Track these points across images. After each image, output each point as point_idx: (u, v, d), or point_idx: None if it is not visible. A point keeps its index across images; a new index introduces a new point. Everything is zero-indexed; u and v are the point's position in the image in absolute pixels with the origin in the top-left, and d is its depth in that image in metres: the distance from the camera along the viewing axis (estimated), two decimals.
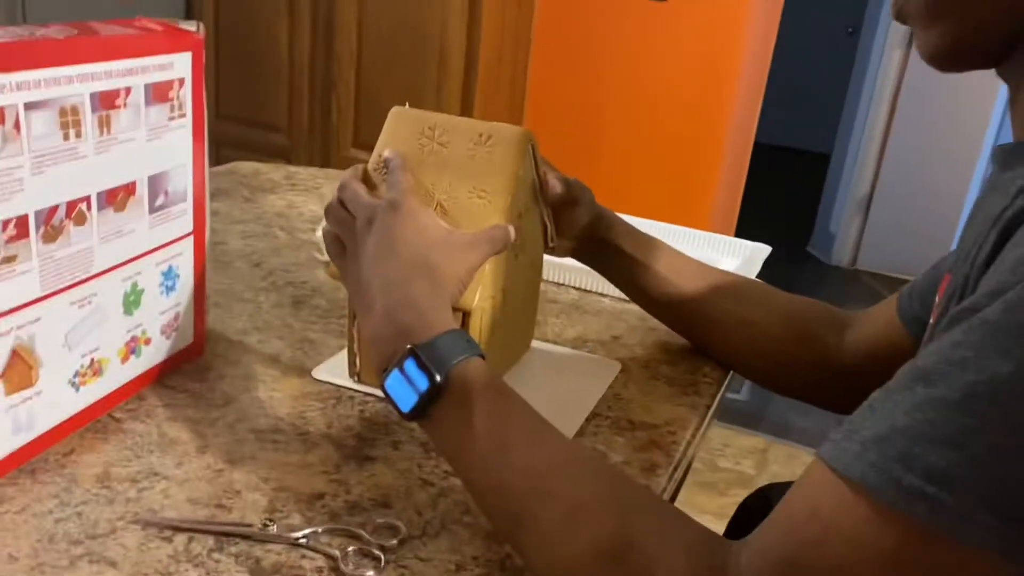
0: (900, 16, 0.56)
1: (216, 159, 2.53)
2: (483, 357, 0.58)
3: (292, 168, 1.44)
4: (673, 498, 0.71)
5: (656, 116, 2.49)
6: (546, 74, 2.58)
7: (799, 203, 5.06)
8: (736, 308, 0.84)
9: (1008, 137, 0.57)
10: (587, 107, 2.56)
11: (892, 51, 3.89)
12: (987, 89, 3.59)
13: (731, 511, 0.91)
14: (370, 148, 0.74)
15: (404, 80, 2.34)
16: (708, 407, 0.80)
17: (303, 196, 1.30)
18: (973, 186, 3.78)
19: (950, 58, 0.54)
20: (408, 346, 0.57)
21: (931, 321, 0.58)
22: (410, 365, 0.56)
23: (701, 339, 0.88)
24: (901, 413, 0.40)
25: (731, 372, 0.87)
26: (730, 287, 0.85)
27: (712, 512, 2.22)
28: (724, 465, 2.50)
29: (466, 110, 2.31)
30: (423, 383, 0.55)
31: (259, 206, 1.23)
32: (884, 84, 3.95)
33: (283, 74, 2.50)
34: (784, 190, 5.45)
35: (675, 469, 0.69)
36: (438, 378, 0.55)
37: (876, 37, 4.02)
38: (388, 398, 0.57)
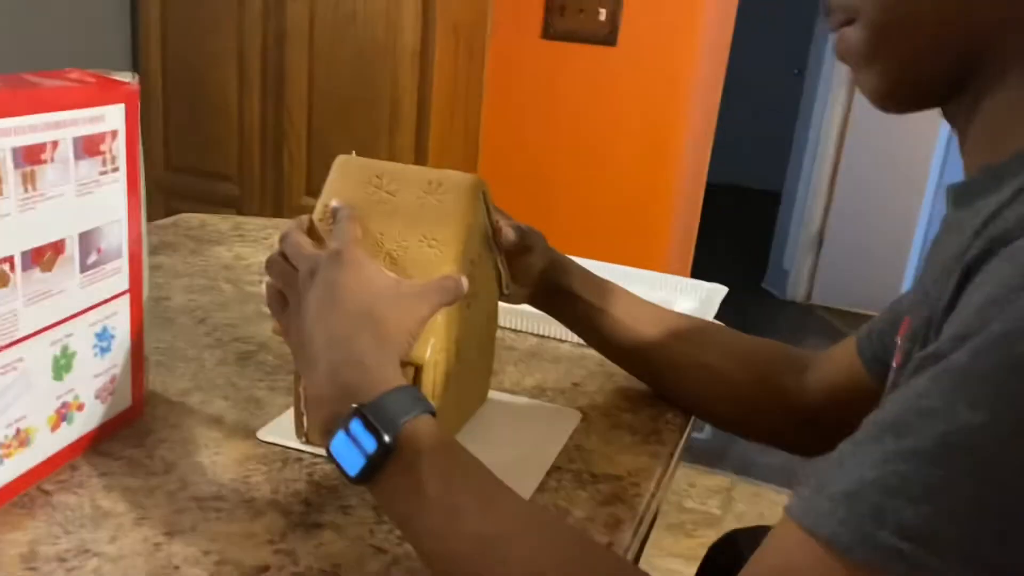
0: (842, 57, 0.55)
1: (167, 211, 2.48)
2: (433, 414, 0.56)
3: (240, 219, 1.41)
4: (639, 552, 0.69)
5: (610, 160, 2.51)
6: (499, 122, 2.59)
7: (752, 241, 5.13)
8: (694, 351, 0.83)
9: (954, 171, 0.57)
10: (541, 153, 2.57)
11: (838, 89, 3.98)
12: (931, 122, 3.69)
13: (700, 552, 0.89)
14: None
15: (357, 129, 2.33)
16: (671, 455, 0.77)
17: (251, 247, 1.27)
18: (922, 218, 3.86)
19: (892, 98, 0.53)
20: (354, 406, 0.54)
21: (894, 365, 0.57)
22: (356, 426, 0.53)
23: (660, 384, 0.86)
24: (870, 466, 0.38)
25: (692, 417, 0.85)
26: (687, 330, 0.84)
27: (681, 555, 2.19)
28: (690, 505, 2.47)
29: (420, 158, 2.30)
30: (370, 445, 0.53)
31: (205, 259, 1.20)
32: (831, 122, 4.04)
33: (233, 124, 2.47)
34: (737, 228, 5.53)
35: (639, 524, 0.67)
36: (386, 439, 0.52)
37: (822, 77, 4.12)
38: (334, 462, 0.54)
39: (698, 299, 1.13)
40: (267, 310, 1.00)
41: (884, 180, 4.03)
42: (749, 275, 4.60)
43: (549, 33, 2.42)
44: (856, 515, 0.37)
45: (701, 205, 2.89)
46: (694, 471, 2.63)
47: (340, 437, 0.54)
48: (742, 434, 0.84)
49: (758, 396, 0.81)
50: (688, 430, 0.83)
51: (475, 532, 0.50)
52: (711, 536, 2.44)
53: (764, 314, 4.12)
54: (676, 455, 0.78)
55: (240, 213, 2.49)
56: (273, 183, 2.46)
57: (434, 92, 2.26)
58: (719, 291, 1.13)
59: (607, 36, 2.36)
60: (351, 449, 0.53)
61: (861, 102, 3.93)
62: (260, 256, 1.23)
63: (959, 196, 0.52)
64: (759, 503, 2.51)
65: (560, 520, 0.64)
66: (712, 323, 0.87)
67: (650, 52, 2.38)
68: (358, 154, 0.75)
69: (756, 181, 6.60)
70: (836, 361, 0.77)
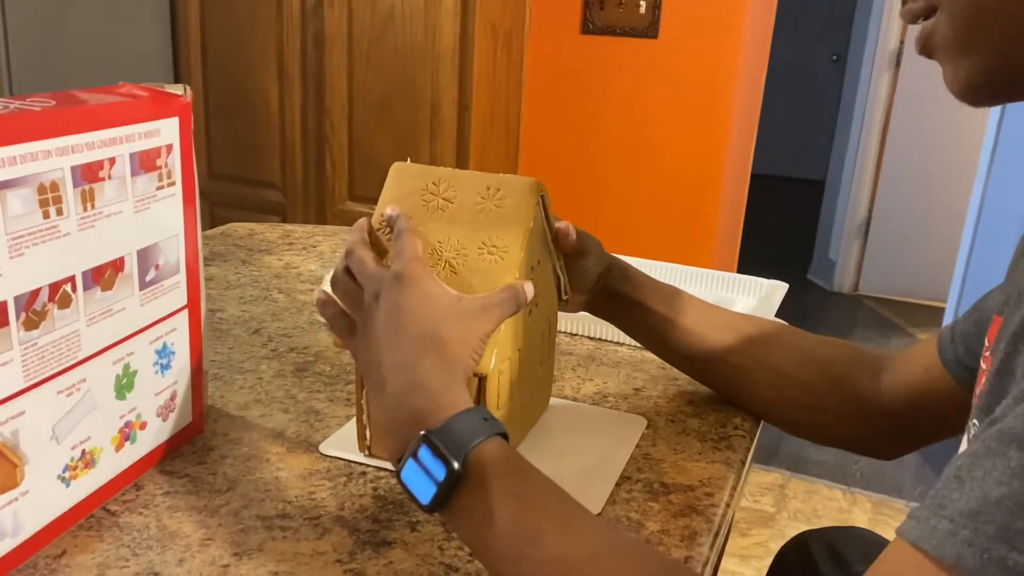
0: (926, 50, 0.51)
1: (210, 218, 2.50)
2: (503, 435, 0.54)
3: (288, 227, 1.40)
4: (716, 567, 0.66)
5: (653, 155, 2.47)
6: (540, 120, 2.57)
7: (797, 231, 5.05)
8: (762, 355, 0.80)
9: (1008, 154, 0.53)
10: (583, 150, 2.54)
11: (880, 75, 3.90)
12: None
13: (754, 551, 0.87)
14: (365, 201, 0.71)
15: (397, 133, 2.32)
16: (743, 462, 0.75)
17: (301, 255, 1.26)
18: (972, 202, 3.76)
19: (981, 92, 0.49)
20: (421, 432, 0.52)
21: (984, 367, 0.53)
22: (425, 453, 0.52)
23: (727, 389, 0.84)
24: (994, 482, 0.35)
25: (762, 422, 0.82)
26: (754, 333, 0.81)
27: (735, 554, 2.15)
28: (743, 504, 2.43)
29: (461, 159, 2.29)
30: (440, 472, 0.51)
31: (256, 268, 1.19)
32: (874, 108, 3.95)
33: (275, 131, 2.47)
34: (781, 219, 5.44)
35: (716, 536, 0.64)
36: (455, 465, 0.51)
37: (863, 63, 4.03)
38: (406, 490, 0.53)
39: (758, 296, 1.10)
40: (321, 319, 0.99)
41: (931, 166, 3.94)
42: (794, 266, 4.52)
43: (588, 28, 2.40)
44: (982, 536, 0.34)
45: (747, 196, 2.84)
46: None
47: (410, 465, 0.52)
48: (816, 439, 0.80)
49: (831, 400, 0.78)
50: (758, 435, 0.81)
51: (553, 555, 0.48)
52: (765, 535, 2.37)
53: (811, 306, 4.04)
54: (748, 462, 0.76)
55: (284, 219, 2.50)
56: (316, 188, 2.46)
57: (474, 92, 2.24)
58: (780, 288, 1.09)
59: (648, 29, 2.32)
60: (422, 477, 0.52)
61: (904, 88, 3.84)
62: (310, 264, 1.22)
63: None
64: (813, 500, 2.46)
65: (638, 541, 0.61)
66: (779, 324, 0.83)
67: (693, 43, 2.34)
68: (410, 160, 0.73)
69: (797, 170, 6.50)
70: (915, 363, 0.74)
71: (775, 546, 2.21)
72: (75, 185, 0.56)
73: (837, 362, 0.79)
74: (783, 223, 5.38)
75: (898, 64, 3.85)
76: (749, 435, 0.79)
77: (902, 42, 3.80)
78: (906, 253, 4.06)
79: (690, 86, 2.38)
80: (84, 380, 0.59)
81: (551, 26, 2.46)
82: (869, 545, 0.90)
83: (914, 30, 0.51)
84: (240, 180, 2.56)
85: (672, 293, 0.81)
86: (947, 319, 3.14)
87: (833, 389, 0.78)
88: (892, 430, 0.77)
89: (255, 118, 2.49)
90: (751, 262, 3.13)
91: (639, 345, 0.90)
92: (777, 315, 1.06)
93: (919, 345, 0.75)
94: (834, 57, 6.03)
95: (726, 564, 2.09)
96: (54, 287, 0.55)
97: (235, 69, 2.47)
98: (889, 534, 0.39)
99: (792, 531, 2.29)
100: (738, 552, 2.17)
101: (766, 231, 4.86)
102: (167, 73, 2.54)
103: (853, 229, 4.14)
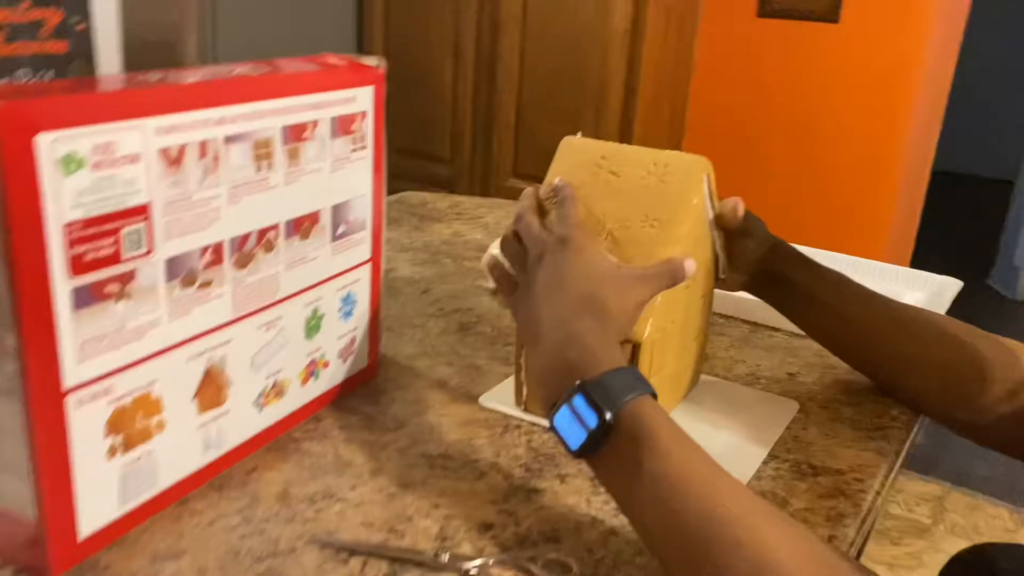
0: None
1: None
2: (654, 396, 0.56)
3: (457, 198, 1.47)
4: (860, 552, 0.66)
5: (827, 145, 2.39)
6: (708, 103, 2.53)
7: (979, 233, 4.71)
8: (927, 349, 0.77)
9: None
10: (750, 137, 2.49)
11: None
12: None
13: (904, 562, 0.84)
14: (528, 178, 0.75)
15: (562, 113, 2.36)
16: (898, 453, 0.74)
17: (468, 225, 1.32)
18: None
19: None
20: (577, 382, 0.55)
21: None
22: (579, 401, 0.55)
23: (888, 381, 0.82)
24: None
25: (921, 416, 0.80)
26: (918, 324, 0.78)
27: (884, 562, 2.07)
28: (896, 512, 2.33)
29: (624, 142, 2.30)
30: (592, 420, 0.54)
31: (427, 234, 1.26)
32: None
33: (447, 107, 2.57)
34: (962, 219, 5.10)
35: (863, 521, 0.64)
36: (608, 416, 0.53)
37: None
38: (556, 434, 0.56)
39: (928, 292, 1.06)
40: (484, 284, 1.05)
41: None
42: (974, 270, 4.23)
43: (766, 10, 2.34)
44: None
45: (925, 192, 2.69)
46: (902, 476, 2.47)
47: (563, 411, 0.56)
48: (984, 443, 0.77)
49: (995, 401, 0.73)
50: (917, 429, 0.79)
51: (705, 510, 0.50)
52: (918, 546, 2.27)
53: (990, 313, 3.78)
54: (903, 454, 0.74)
55: (451, 193, 2.60)
56: (482, 165, 2.55)
57: (642, 75, 2.24)
58: (952, 285, 1.05)
59: (829, 12, 2.24)
60: (573, 423, 0.55)
61: None
62: (476, 234, 1.28)
63: None
64: (974, 516, 2.32)
65: (782, 511, 0.62)
66: (945, 317, 0.81)
67: (876, 29, 2.23)
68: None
69: (984, 168, 6.06)
70: None
71: (928, 559, 2.11)
72: (283, 143, 0.63)
73: (1006, 363, 0.75)
74: (965, 224, 5.03)
75: None
76: (906, 428, 0.78)
77: None
78: None
79: (870, 75, 2.28)
80: (280, 318, 0.67)
81: (726, 8, 2.42)
82: None
83: None
84: (411, 153, 2.68)
85: (836, 278, 0.80)
86: None
87: (999, 390, 0.74)
88: None
89: (429, 95, 2.59)
90: (926, 262, 2.97)
91: (797, 332, 0.90)
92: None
93: None
94: None
95: (875, 570, 2.02)
96: (261, 233, 0.62)
97: (414, 48, 2.58)
98: None
99: (949, 545, 2.18)
100: (887, 560, 2.08)
101: (946, 231, 4.57)
102: (351, 50, 2.69)
103: None
